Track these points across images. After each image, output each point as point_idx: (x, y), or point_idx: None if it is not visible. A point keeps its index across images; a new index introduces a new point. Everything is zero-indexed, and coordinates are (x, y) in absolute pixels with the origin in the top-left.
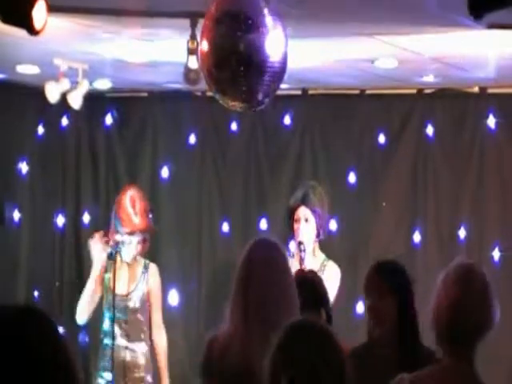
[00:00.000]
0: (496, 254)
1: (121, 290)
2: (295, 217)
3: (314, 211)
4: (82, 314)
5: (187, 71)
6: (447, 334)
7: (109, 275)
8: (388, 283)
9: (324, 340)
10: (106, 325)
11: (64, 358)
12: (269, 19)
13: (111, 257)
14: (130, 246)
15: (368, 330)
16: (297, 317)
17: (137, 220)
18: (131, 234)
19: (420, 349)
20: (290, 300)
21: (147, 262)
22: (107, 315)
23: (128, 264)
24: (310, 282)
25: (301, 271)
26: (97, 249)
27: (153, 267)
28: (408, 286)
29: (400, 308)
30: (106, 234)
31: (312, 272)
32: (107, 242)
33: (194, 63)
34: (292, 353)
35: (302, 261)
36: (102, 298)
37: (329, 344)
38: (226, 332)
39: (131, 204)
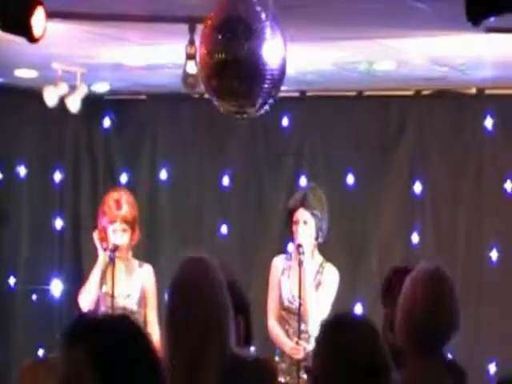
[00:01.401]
0: (494, 255)
1: (118, 292)
2: (294, 219)
3: (313, 214)
4: (86, 302)
5: (186, 76)
6: (422, 335)
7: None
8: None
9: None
10: None
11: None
12: (267, 26)
13: (110, 261)
14: (117, 234)
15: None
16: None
17: (120, 210)
18: (112, 222)
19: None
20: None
21: (142, 262)
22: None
23: (123, 267)
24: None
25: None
26: (100, 245)
27: (147, 267)
28: None
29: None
30: (102, 239)
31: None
32: (105, 249)
33: (192, 68)
34: None
35: (300, 263)
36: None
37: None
38: None
39: (115, 199)
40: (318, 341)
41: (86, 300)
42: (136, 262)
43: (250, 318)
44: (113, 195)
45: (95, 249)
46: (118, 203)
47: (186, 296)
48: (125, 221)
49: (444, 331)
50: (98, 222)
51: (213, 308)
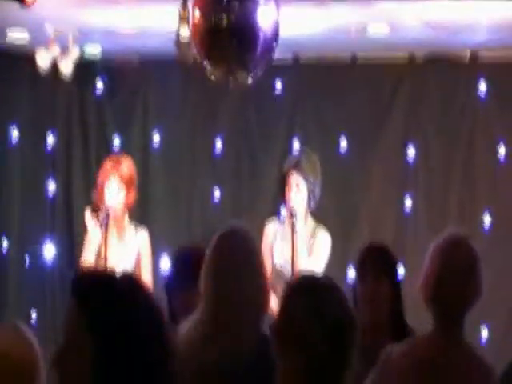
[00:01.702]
0: (487, 220)
1: (112, 257)
2: (287, 183)
3: (306, 178)
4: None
5: (178, 40)
6: (433, 308)
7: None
8: (383, 266)
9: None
10: None
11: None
12: None
13: (104, 225)
14: (111, 192)
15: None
16: None
17: (117, 168)
18: (107, 179)
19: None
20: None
21: (137, 227)
22: None
23: (117, 232)
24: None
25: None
26: (91, 222)
27: (143, 232)
28: (397, 270)
29: (394, 291)
30: (95, 208)
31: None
32: (97, 217)
33: (185, 32)
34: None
35: (293, 227)
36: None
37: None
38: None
39: (113, 160)
40: (287, 300)
41: None
42: (132, 227)
43: None
44: (112, 157)
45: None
46: (116, 163)
47: (238, 261)
48: (120, 178)
49: (454, 304)
50: (95, 187)
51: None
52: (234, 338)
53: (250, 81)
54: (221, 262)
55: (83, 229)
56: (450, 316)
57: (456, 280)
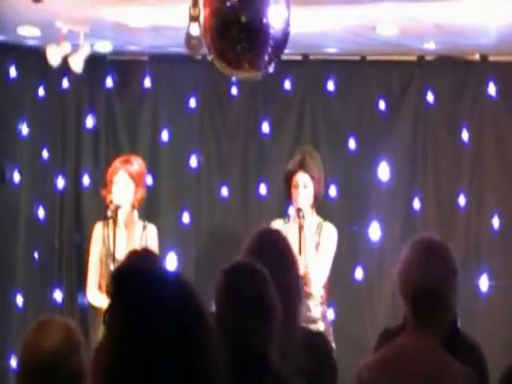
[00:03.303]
0: (495, 222)
1: (119, 253)
2: (293, 182)
3: (312, 177)
4: (92, 291)
5: (189, 38)
6: (410, 303)
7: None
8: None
9: None
10: None
11: None
12: None
13: (111, 221)
14: (119, 186)
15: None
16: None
17: (126, 163)
18: (115, 173)
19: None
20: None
21: (145, 223)
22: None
23: (125, 228)
24: None
25: None
26: (97, 235)
27: (151, 228)
28: None
29: None
30: (107, 193)
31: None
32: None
33: (195, 30)
34: None
35: (301, 228)
36: (101, 262)
37: None
38: None
39: (124, 157)
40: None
41: (92, 299)
42: (140, 224)
43: None
44: (123, 156)
45: (94, 215)
46: (126, 160)
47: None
48: (129, 173)
49: (429, 297)
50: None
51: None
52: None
53: (259, 78)
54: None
55: (92, 224)
56: (425, 312)
57: (431, 273)
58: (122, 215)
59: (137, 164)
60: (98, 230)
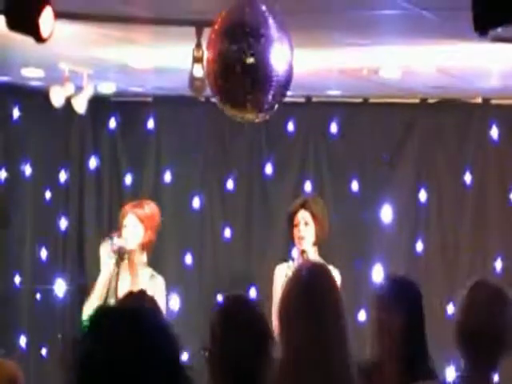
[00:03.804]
0: (498, 265)
1: (121, 293)
2: (295, 221)
3: (313, 215)
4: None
5: (192, 79)
6: (460, 347)
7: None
8: (396, 297)
9: None
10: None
11: None
12: (274, 30)
13: (117, 257)
14: (126, 230)
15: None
16: None
17: (137, 207)
18: (124, 216)
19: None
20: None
21: (154, 273)
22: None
23: (131, 267)
24: None
25: None
26: (105, 253)
27: (159, 280)
28: (418, 301)
29: (409, 323)
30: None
31: None
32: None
33: (199, 72)
34: None
35: None
36: (104, 303)
37: None
38: None
39: (138, 201)
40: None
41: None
42: (148, 271)
43: None
44: (134, 200)
45: (99, 253)
46: (137, 203)
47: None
48: (138, 216)
49: (482, 341)
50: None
51: None
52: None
53: (262, 120)
54: (307, 303)
55: (95, 265)
56: (478, 355)
57: (481, 316)
58: (128, 255)
59: (148, 208)
60: (105, 252)
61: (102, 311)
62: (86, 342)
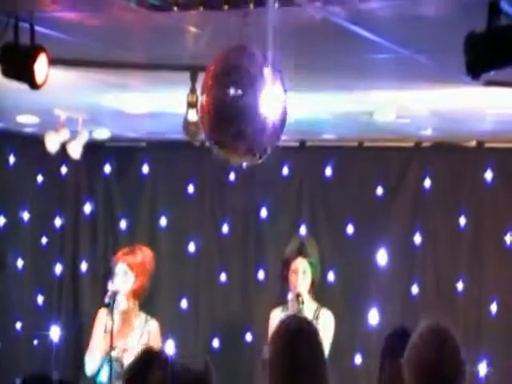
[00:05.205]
0: (494, 308)
1: (119, 343)
2: (292, 268)
3: (311, 263)
4: (93, 365)
5: (187, 124)
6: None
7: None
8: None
9: None
10: (103, 377)
11: None
12: (268, 74)
13: (109, 306)
14: (118, 277)
15: None
16: None
17: (130, 254)
18: (116, 263)
19: None
20: None
21: (148, 317)
22: (104, 368)
23: (124, 317)
24: None
25: None
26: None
27: (153, 324)
28: None
29: None
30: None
31: None
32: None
33: (193, 116)
34: None
35: (299, 314)
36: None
37: None
38: None
39: (131, 247)
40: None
41: (93, 366)
42: (143, 317)
43: None
44: (126, 247)
45: (92, 301)
46: (129, 250)
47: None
48: (128, 264)
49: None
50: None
51: None
52: None
53: (256, 163)
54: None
55: (89, 310)
56: None
57: (446, 365)
58: (119, 303)
59: (140, 254)
60: (103, 315)
61: None
62: None
